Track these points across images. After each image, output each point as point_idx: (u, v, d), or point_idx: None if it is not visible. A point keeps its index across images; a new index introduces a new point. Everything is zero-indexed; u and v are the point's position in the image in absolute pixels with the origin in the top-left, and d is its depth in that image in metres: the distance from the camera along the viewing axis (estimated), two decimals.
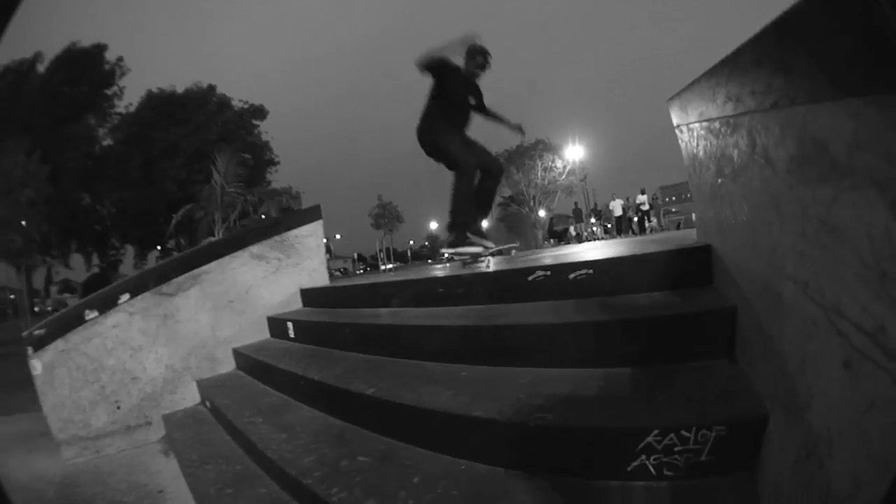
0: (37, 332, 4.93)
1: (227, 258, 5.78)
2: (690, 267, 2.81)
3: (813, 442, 1.31)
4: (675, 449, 1.75)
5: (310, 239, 6.39)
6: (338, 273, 74.54)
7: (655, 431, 1.76)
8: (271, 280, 5.98)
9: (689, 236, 4.73)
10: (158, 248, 46.24)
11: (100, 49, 45.90)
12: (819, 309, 1.28)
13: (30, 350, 4.94)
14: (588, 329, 2.46)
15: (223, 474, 3.29)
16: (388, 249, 54.76)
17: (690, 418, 1.77)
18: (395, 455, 2.37)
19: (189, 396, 5.25)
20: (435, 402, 2.33)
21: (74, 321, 5.01)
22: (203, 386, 5.12)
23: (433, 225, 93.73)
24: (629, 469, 1.79)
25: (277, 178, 50.36)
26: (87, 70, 44.21)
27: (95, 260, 47.41)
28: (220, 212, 29.78)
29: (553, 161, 53.16)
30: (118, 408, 5.07)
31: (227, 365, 5.45)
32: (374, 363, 3.37)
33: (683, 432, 1.74)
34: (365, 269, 67.14)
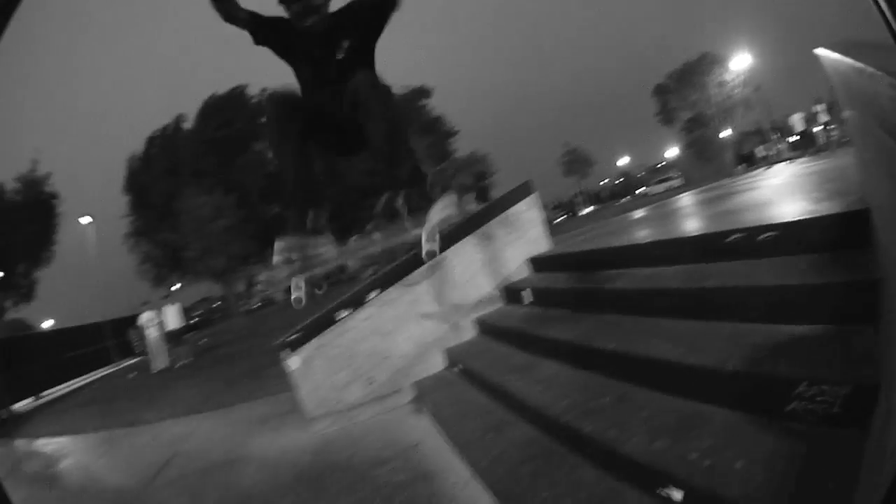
0: (292, 338, 6.18)
1: (459, 243, 6.58)
2: (853, 229, 2.92)
3: (891, 413, 1.60)
4: (817, 399, 2.17)
5: (527, 213, 7.00)
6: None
7: (805, 382, 2.20)
8: (501, 254, 6.68)
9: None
10: (357, 233, 48.95)
11: (239, 89, 48.47)
12: None
13: (286, 352, 6.18)
14: (772, 291, 2.88)
15: (481, 423, 4.16)
16: (581, 193, 53.75)
17: (830, 375, 2.18)
18: (629, 396, 3.11)
19: (437, 364, 6.22)
20: (660, 353, 3.00)
21: (328, 322, 6.21)
22: (450, 353, 6.07)
23: (623, 160, 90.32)
24: (785, 410, 2.27)
25: (460, 146, 50.74)
26: (235, 111, 46.68)
27: None
28: None
29: (723, 74, 49.65)
30: (371, 383, 6.20)
31: (471, 333, 6.32)
32: (608, 321, 3.98)
33: (824, 386, 2.15)
34: (564, 216, 66.10)
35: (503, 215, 6.87)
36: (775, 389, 2.34)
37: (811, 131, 26.22)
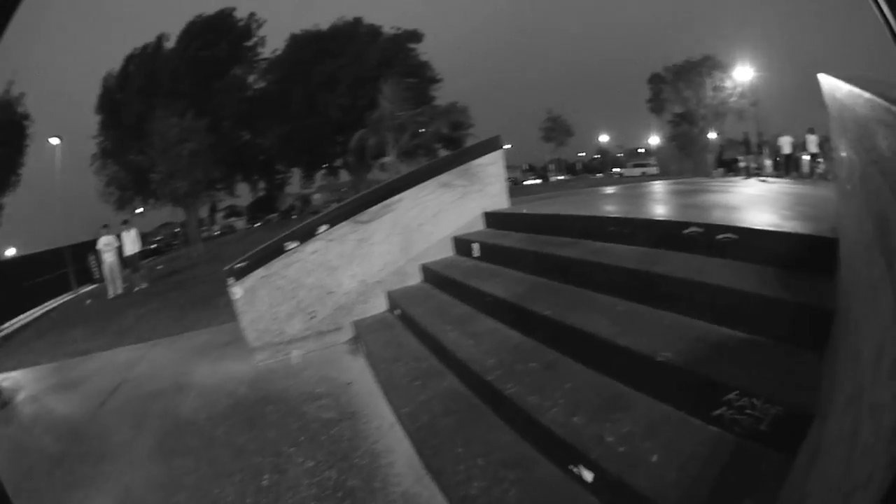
0: (238, 265, 6.12)
1: (417, 188, 6.49)
2: (818, 255, 2.85)
3: (818, 452, 1.61)
4: (746, 411, 2.15)
5: (491, 167, 6.90)
6: (508, 181, 75.25)
7: (737, 392, 2.17)
8: (457, 205, 6.62)
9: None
10: (325, 166, 49.06)
11: (225, 13, 47.29)
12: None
13: (231, 280, 6.11)
14: (722, 292, 2.82)
15: (411, 370, 4.23)
16: (557, 161, 54.34)
17: (763, 391, 2.13)
18: (558, 365, 3.10)
19: (378, 305, 6.23)
20: (594, 327, 2.94)
21: (276, 252, 6.13)
22: (392, 297, 6.03)
23: (603, 138, 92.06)
24: (712, 414, 2.26)
25: (442, 94, 50.61)
26: (220, 33, 45.89)
27: (262, 185, 50.62)
28: (393, 133, 31.44)
29: (722, 80, 50.08)
30: (313, 317, 6.20)
31: (415, 278, 6.31)
32: (550, 288, 3.96)
33: (755, 400, 2.12)
34: (536, 179, 67.82)
35: (465, 166, 6.80)
36: (705, 390, 2.31)
37: (797, 157, 26.46)
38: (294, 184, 52.65)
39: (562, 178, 51.73)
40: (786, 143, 26.67)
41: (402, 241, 6.42)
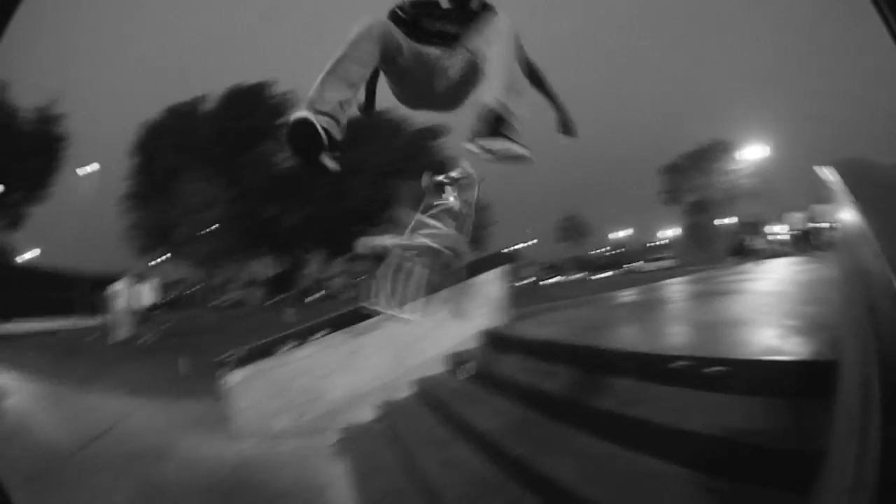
0: (237, 355, 6.27)
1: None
2: (815, 380, 2.35)
3: None
4: None
5: (493, 284, 6.95)
6: (528, 280, 74.23)
7: None
8: (454, 320, 6.56)
9: None
10: (349, 254, 49.23)
11: (263, 85, 48.31)
12: None
13: (228, 367, 6.26)
14: (702, 439, 2.45)
15: (386, 486, 4.13)
16: (574, 258, 54.16)
17: None
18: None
19: (364, 416, 6.05)
20: (560, 473, 2.76)
21: (272, 349, 6.27)
22: (381, 408, 5.93)
23: (615, 234, 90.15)
24: None
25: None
26: (253, 107, 46.41)
27: (281, 263, 50.84)
28: None
29: (732, 163, 49.16)
30: (300, 417, 6.18)
31: (406, 392, 6.16)
32: (526, 421, 3.76)
33: None
34: (555, 276, 66.99)
35: (468, 282, 6.73)
36: None
37: (812, 231, 25.73)
38: (313, 265, 52.87)
39: (578, 276, 51.92)
40: (798, 220, 25.83)
41: (392, 356, 6.38)
